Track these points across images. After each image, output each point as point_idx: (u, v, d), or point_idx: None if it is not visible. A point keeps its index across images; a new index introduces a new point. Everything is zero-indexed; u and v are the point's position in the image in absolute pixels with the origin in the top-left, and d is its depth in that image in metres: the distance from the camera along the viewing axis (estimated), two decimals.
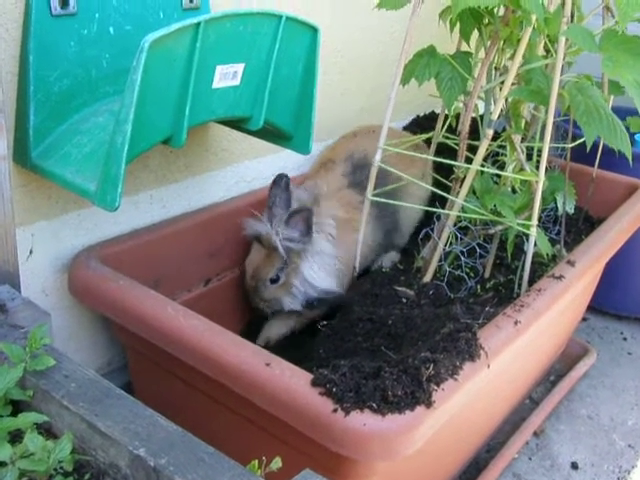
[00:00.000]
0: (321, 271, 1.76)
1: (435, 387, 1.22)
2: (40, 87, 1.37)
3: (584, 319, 2.68)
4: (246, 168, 1.96)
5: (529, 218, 1.66)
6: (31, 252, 1.47)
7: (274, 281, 1.74)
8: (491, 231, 1.73)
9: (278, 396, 1.22)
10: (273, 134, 1.65)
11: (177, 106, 1.32)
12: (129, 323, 1.45)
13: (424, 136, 1.87)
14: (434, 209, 1.73)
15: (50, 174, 1.36)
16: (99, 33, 1.43)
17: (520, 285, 1.77)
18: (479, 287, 1.82)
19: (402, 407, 1.17)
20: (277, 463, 1.02)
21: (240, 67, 1.40)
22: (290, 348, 1.86)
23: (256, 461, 1.00)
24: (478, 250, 1.77)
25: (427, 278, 1.83)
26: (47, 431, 1.06)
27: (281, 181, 1.75)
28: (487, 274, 1.88)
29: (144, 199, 1.72)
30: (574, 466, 2.11)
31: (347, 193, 1.83)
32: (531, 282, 1.77)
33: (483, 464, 2.03)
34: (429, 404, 1.19)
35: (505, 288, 1.83)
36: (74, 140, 1.39)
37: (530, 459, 2.13)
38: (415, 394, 1.19)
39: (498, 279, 1.87)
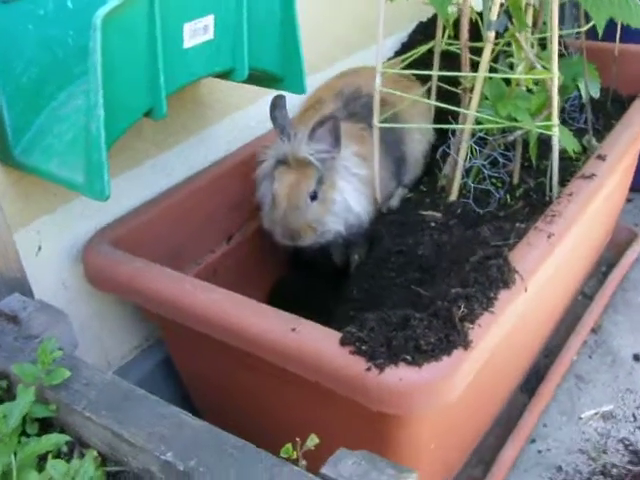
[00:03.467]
0: (355, 191, 1.66)
1: (470, 325, 1.16)
2: (8, 80, 1.29)
3: (629, 200, 2.55)
4: (246, 114, 1.86)
5: (549, 117, 1.54)
6: (40, 248, 1.43)
7: (313, 197, 1.59)
8: (510, 138, 1.62)
9: (309, 361, 1.17)
10: (264, 78, 1.55)
11: (150, 77, 1.23)
12: (149, 304, 1.41)
13: (423, 48, 1.73)
14: (446, 125, 1.62)
15: (36, 170, 1.30)
16: (57, 10, 1.34)
17: (551, 187, 1.67)
18: (508, 196, 1.72)
19: (438, 354, 1.11)
20: (313, 440, 0.98)
21: (210, 19, 1.29)
22: (321, 294, 1.81)
23: (290, 445, 0.96)
24: (501, 160, 1.66)
25: (453, 197, 1.74)
26: (79, 441, 1.04)
27: (280, 101, 1.61)
28: (515, 180, 1.78)
29: (146, 170, 1.65)
30: (636, 358, 2.05)
31: (344, 125, 1.69)
32: (563, 182, 1.67)
33: (543, 370, 1.98)
34: (466, 345, 1.13)
35: (536, 192, 1.73)
36: (55, 130, 1.31)
37: (590, 357, 2.07)
38: (449, 338, 1.13)
39: (528, 183, 1.76)
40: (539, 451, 1.81)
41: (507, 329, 1.25)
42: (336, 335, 1.17)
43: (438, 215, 1.71)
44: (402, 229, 1.71)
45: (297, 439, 0.96)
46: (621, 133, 1.67)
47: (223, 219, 1.79)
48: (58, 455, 1.00)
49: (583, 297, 2.21)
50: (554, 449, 1.81)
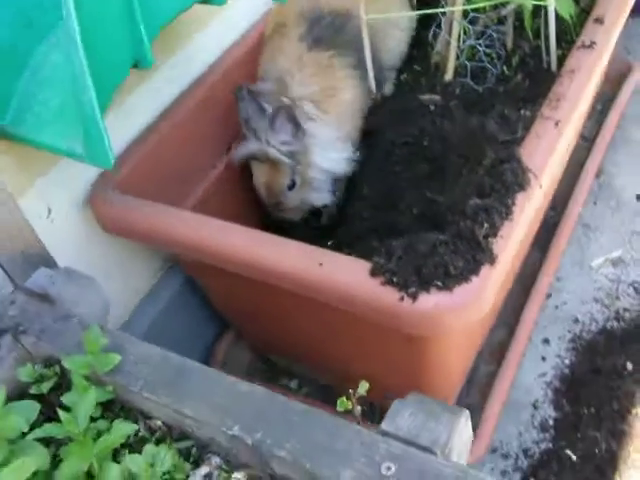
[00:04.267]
0: (332, 154, 1.62)
1: (493, 239, 1.18)
2: None
3: None
4: (228, 19, 1.75)
5: None
6: (49, 211, 1.41)
7: (291, 187, 1.62)
8: (504, 12, 1.56)
9: (341, 294, 1.21)
10: None
11: (129, 29, 1.16)
12: (171, 249, 1.42)
13: None
14: (434, 10, 1.55)
15: (29, 141, 1.25)
16: None
17: (549, 52, 1.63)
18: (505, 68, 1.68)
19: (467, 275, 1.14)
20: (364, 387, 1.04)
21: None
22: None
23: (344, 398, 1.02)
24: (495, 35, 1.60)
25: (448, 76, 1.70)
26: (141, 413, 1.09)
27: (242, 93, 1.57)
28: (509, 45, 1.72)
29: (135, 102, 1.58)
30: None
31: (311, 57, 1.62)
32: (559, 42, 1.62)
33: (552, 224, 2.02)
34: (492, 260, 1.16)
35: (532, 58, 1.69)
36: (39, 95, 1.25)
37: (595, 204, 2.11)
38: (476, 257, 1.15)
39: (523, 48, 1.71)
40: (556, 306, 1.90)
41: (526, 228, 1.28)
42: (364, 266, 1.19)
43: (437, 98, 1.68)
44: (402, 117, 1.68)
45: (350, 390, 1.02)
46: None
47: (221, 130, 1.75)
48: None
49: (582, 140, 2.21)
50: (569, 302, 1.91)
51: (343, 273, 1.20)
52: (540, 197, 1.30)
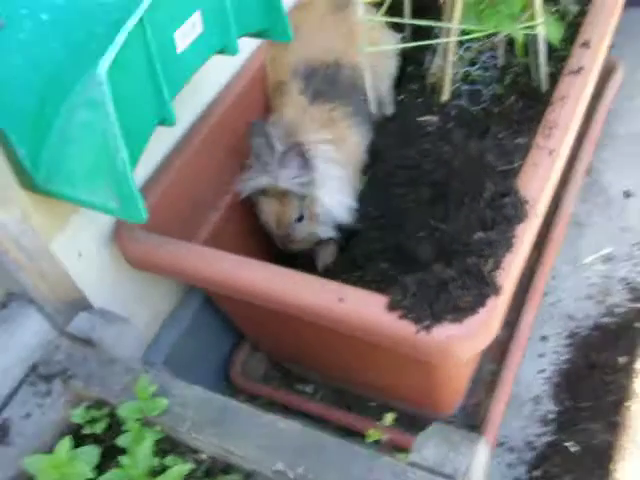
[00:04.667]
0: (337, 195, 1.71)
1: (497, 272, 1.29)
2: (11, 114, 1.29)
3: None
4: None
5: (532, 17, 1.56)
6: (80, 254, 1.50)
7: (300, 220, 1.70)
8: (496, 40, 1.65)
9: (361, 327, 1.32)
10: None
11: (155, 96, 1.25)
12: (195, 284, 1.52)
13: None
14: (430, 41, 1.63)
15: (66, 197, 1.34)
16: (35, 27, 1.30)
17: (538, 71, 1.72)
18: (498, 86, 1.78)
19: (475, 307, 1.26)
20: (390, 417, 1.16)
21: (197, 16, 1.28)
22: None
23: (373, 430, 1.13)
24: (488, 60, 1.70)
25: (445, 97, 1.79)
26: (189, 448, 1.21)
27: (255, 128, 1.66)
28: (501, 62, 1.82)
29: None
30: (627, 195, 2.20)
31: (314, 110, 1.72)
32: (548, 60, 1.72)
33: (545, 224, 2.12)
34: (497, 292, 1.27)
35: (524, 77, 1.79)
36: (70, 151, 1.33)
37: (584, 202, 2.22)
38: (482, 291, 1.27)
39: (514, 67, 1.81)
40: (551, 303, 2.03)
41: (526, 255, 1.39)
42: (382, 301, 1.30)
43: (434, 119, 1.78)
44: (402, 139, 1.78)
45: (377, 423, 1.14)
46: (599, 9, 1.69)
47: (233, 155, 1.83)
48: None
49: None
50: (564, 299, 2.03)
51: (362, 308, 1.31)
52: (537, 224, 1.41)
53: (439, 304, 1.26)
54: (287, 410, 1.93)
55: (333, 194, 1.70)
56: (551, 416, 1.83)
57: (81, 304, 1.43)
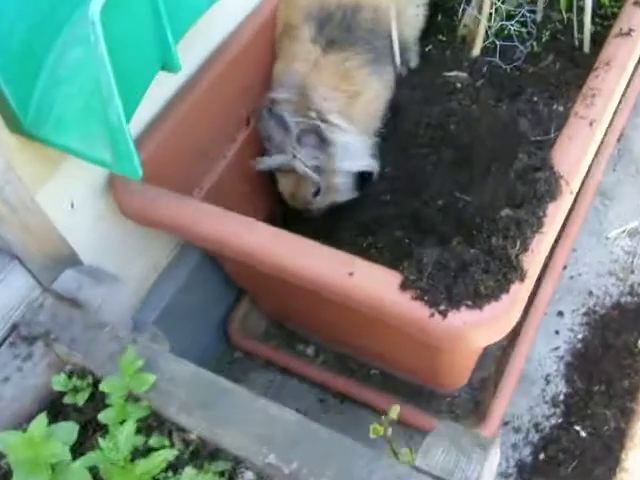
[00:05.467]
0: (357, 159, 1.60)
1: (524, 256, 1.18)
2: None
3: None
4: None
5: None
6: (72, 205, 1.39)
7: (317, 194, 1.61)
8: None
9: (370, 304, 1.21)
10: None
11: (157, 39, 1.12)
12: (194, 242, 1.41)
13: None
14: None
15: (53, 144, 1.22)
16: None
17: (581, 28, 1.57)
18: (535, 44, 1.63)
19: (497, 293, 1.15)
20: (395, 411, 1.06)
21: None
22: None
23: (375, 425, 1.04)
24: (527, 14, 1.54)
25: (476, 52, 1.65)
26: (176, 426, 1.12)
27: (262, 113, 1.59)
28: (539, 18, 1.66)
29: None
30: None
31: (327, 62, 1.57)
32: (593, 19, 1.57)
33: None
34: (522, 277, 1.16)
35: (564, 34, 1.63)
36: (61, 92, 1.21)
37: (614, 170, 2.09)
38: (507, 276, 1.15)
39: (554, 22, 1.65)
40: (571, 277, 1.92)
41: (555, 234, 1.27)
42: (395, 278, 1.19)
43: (463, 75, 1.64)
44: (427, 95, 1.65)
45: (382, 417, 1.04)
46: None
47: (239, 104, 1.70)
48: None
49: None
50: (584, 274, 1.92)
51: (373, 285, 1.21)
52: (570, 202, 1.29)
53: (458, 288, 1.15)
54: (286, 371, 1.86)
55: (353, 160, 1.60)
56: (561, 397, 1.74)
57: (70, 260, 1.32)
